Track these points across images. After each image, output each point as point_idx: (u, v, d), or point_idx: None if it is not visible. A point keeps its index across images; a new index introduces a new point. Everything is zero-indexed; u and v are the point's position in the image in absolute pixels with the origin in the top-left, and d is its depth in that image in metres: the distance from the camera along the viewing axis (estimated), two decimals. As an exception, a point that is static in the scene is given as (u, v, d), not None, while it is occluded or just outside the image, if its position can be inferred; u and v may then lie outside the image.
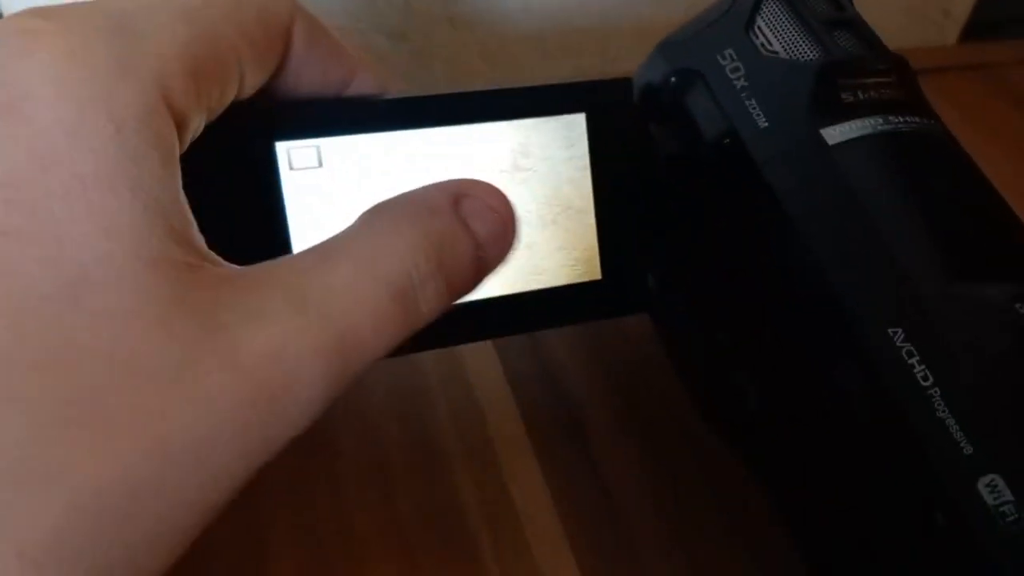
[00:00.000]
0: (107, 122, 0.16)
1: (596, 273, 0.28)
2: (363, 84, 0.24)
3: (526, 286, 0.27)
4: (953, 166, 0.25)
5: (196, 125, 0.18)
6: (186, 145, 0.18)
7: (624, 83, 0.28)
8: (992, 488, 0.20)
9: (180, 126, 0.18)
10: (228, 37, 0.19)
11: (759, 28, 0.27)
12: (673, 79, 0.27)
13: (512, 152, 0.26)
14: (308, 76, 0.22)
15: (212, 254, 0.18)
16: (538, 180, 0.27)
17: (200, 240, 0.18)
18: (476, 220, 0.21)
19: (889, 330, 0.22)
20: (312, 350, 0.17)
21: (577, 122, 0.27)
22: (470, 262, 0.20)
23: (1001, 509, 0.20)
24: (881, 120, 0.25)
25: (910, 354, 0.22)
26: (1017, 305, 0.22)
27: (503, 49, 0.48)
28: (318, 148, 0.24)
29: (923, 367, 0.21)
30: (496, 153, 0.26)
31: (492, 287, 0.26)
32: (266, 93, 0.22)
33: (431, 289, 0.19)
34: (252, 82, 0.20)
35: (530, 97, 0.26)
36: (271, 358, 0.16)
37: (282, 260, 0.18)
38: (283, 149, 0.23)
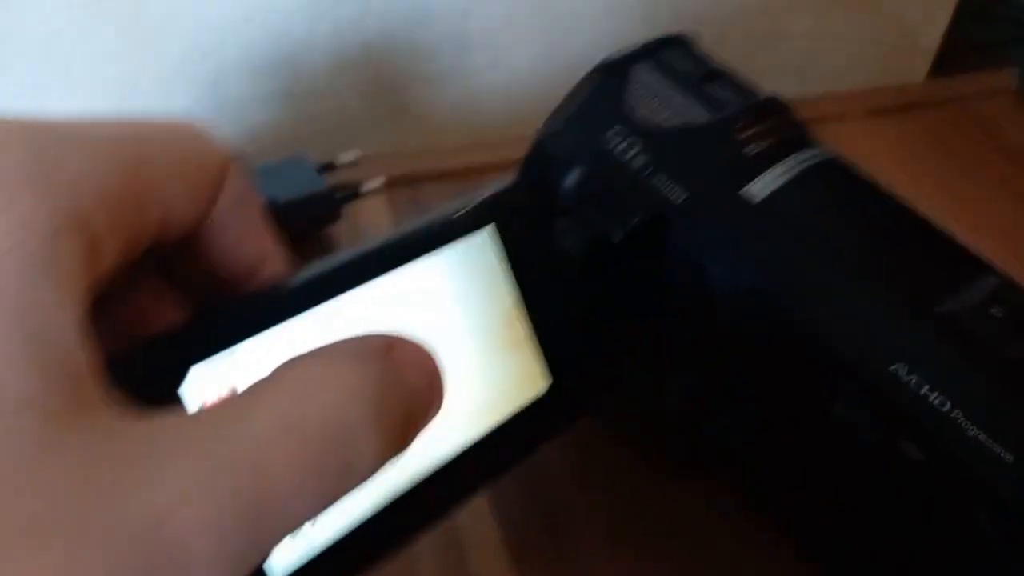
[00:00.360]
0: None
1: (542, 388, 0.25)
2: (267, 276, 0.21)
3: (479, 429, 0.24)
4: (864, 185, 0.26)
5: (112, 258, 0.16)
6: (99, 276, 0.16)
7: (520, 186, 0.26)
8: None
9: (93, 255, 0.16)
10: (157, 171, 0.17)
11: (638, 99, 0.26)
12: (566, 173, 0.26)
13: (429, 289, 0.24)
14: (223, 240, 0.20)
15: (112, 396, 0.15)
16: (462, 310, 0.24)
17: (98, 379, 0.15)
18: (409, 369, 0.19)
19: (891, 368, 0.22)
20: (212, 516, 0.14)
21: (486, 238, 0.25)
22: (407, 413, 0.18)
23: None
24: (793, 161, 0.25)
25: (919, 385, 0.22)
26: (992, 310, 0.22)
27: (472, 105, 0.47)
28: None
29: (936, 394, 0.22)
30: (414, 294, 0.23)
31: (448, 442, 0.23)
32: (182, 247, 0.20)
33: (366, 442, 0.17)
34: (178, 223, 0.18)
35: (428, 232, 0.24)
36: (155, 526, 0.13)
37: (189, 412, 0.17)
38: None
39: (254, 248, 0.21)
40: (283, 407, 0.16)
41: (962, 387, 0.21)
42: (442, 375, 0.19)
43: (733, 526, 0.28)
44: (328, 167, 0.40)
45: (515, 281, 0.25)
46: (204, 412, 0.16)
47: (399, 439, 0.18)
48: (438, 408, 0.19)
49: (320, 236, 0.39)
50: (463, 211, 0.24)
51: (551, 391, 0.24)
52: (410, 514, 0.22)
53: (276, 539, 0.15)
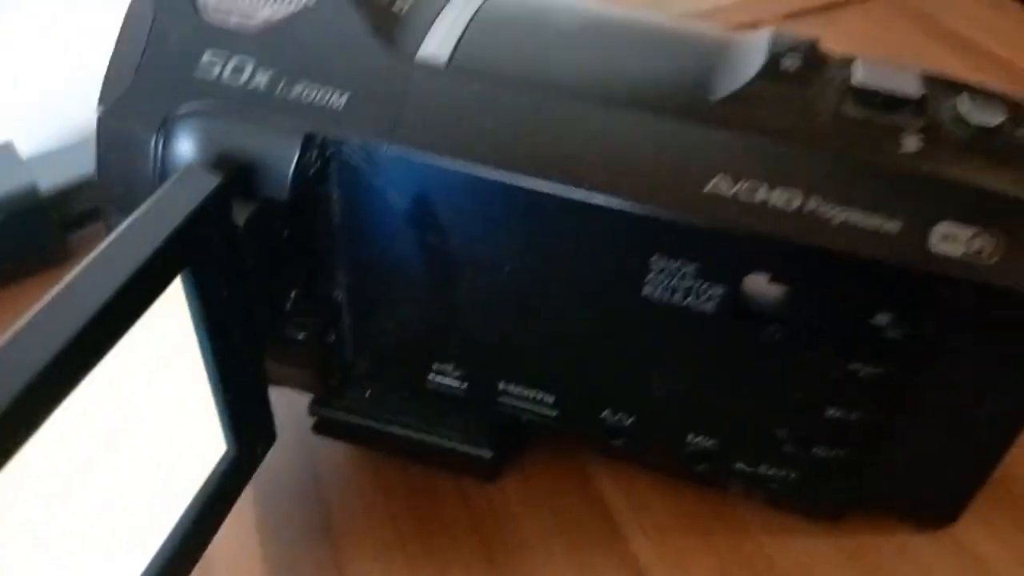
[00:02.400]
0: None
1: (222, 443, 0.19)
2: None
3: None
4: (548, 6, 0.19)
5: None
6: None
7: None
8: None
9: None
10: None
11: (213, 7, 0.18)
12: (167, 146, 0.17)
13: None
14: None
15: None
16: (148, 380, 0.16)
17: None
18: None
19: (705, 190, 0.16)
20: None
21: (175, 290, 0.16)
22: None
23: None
24: (458, 5, 0.18)
25: (752, 191, 0.16)
26: (783, 64, 0.17)
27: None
28: None
29: (779, 191, 0.16)
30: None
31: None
32: None
33: None
34: None
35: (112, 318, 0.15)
36: None
37: None
38: None
39: None
40: None
41: (800, 167, 0.16)
42: None
43: (566, 524, 0.22)
44: None
45: (202, 324, 0.16)
46: None
47: None
48: None
49: None
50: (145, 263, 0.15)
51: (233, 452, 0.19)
52: None
53: None
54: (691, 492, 0.22)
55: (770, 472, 0.20)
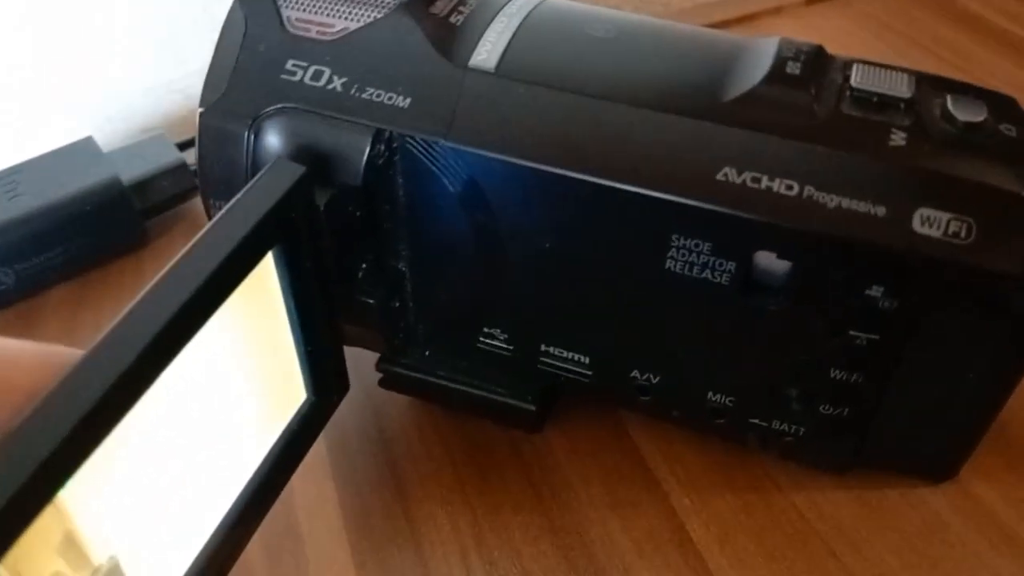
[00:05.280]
0: None
1: (303, 391, 0.22)
2: None
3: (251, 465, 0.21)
4: (590, 13, 0.22)
5: None
6: None
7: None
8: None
9: None
10: None
11: (296, 20, 0.21)
12: (262, 137, 0.20)
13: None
14: None
15: None
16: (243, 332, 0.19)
17: None
18: None
19: (718, 177, 0.19)
20: None
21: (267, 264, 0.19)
22: None
23: None
24: (505, 17, 0.21)
25: (757, 180, 0.18)
26: (787, 68, 0.19)
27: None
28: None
29: (778, 181, 0.18)
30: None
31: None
32: None
33: None
34: None
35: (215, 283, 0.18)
36: None
37: None
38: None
39: None
40: None
41: (800, 160, 0.18)
42: None
43: (606, 472, 0.25)
44: (189, 144, 0.36)
45: (289, 291, 0.20)
46: None
47: None
48: None
49: (184, 209, 0.37)
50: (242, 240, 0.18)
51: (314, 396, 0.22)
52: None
53: None
54: (717, 446, 0.25)
55: (782, 427, 0.23)
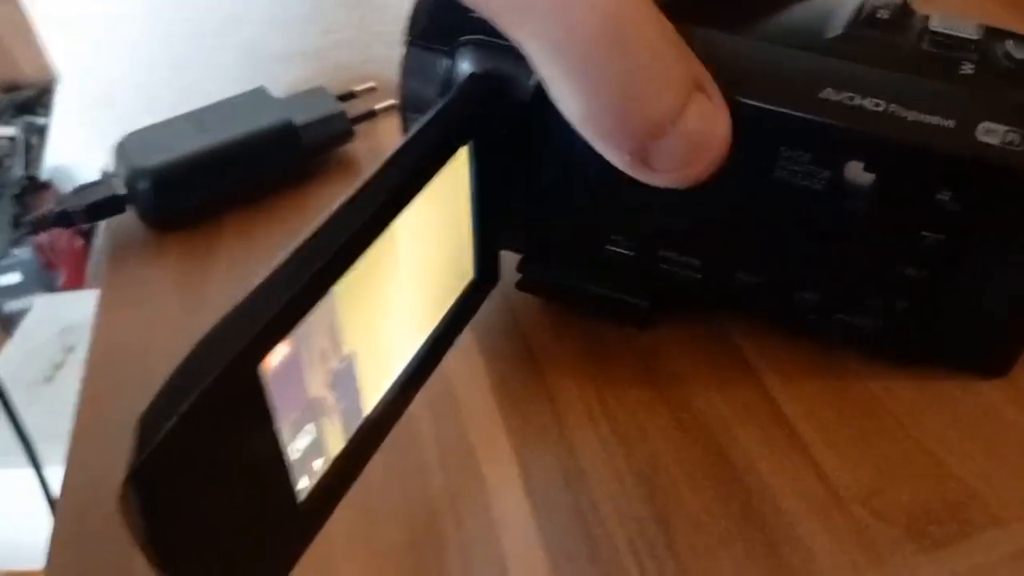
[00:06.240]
0: None
1: (470, 273, 0.28)
2: None
3: (433, 320, 0.26)
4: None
5: None
6: None
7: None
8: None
9: None
10: None
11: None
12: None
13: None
14: None
15: None
16: (437, 219, 0.24)
17: None
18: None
19: (820, 95, 0.24)
20: None
21: (463, 153, 0.25)
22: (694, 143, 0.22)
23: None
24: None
25: (851, 98, 0.23)
26: (877, 14, 0.24)
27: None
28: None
29: (869, 99, 0.23)
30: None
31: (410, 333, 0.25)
32: None
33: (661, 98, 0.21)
34: None
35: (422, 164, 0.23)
36: None
37: None
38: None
39: None
40: None
41: (886, 83, 0.23)
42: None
43: (708, 361, 0.30)
44: (348, 96, 0.45)
45: (476, 181, 0.25)
46: None
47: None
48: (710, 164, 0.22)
49: (340, 152, 0.43)
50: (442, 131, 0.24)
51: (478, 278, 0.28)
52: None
53: None
54: (805, 341, 0.30)
55: (862, 321, 0.27)
